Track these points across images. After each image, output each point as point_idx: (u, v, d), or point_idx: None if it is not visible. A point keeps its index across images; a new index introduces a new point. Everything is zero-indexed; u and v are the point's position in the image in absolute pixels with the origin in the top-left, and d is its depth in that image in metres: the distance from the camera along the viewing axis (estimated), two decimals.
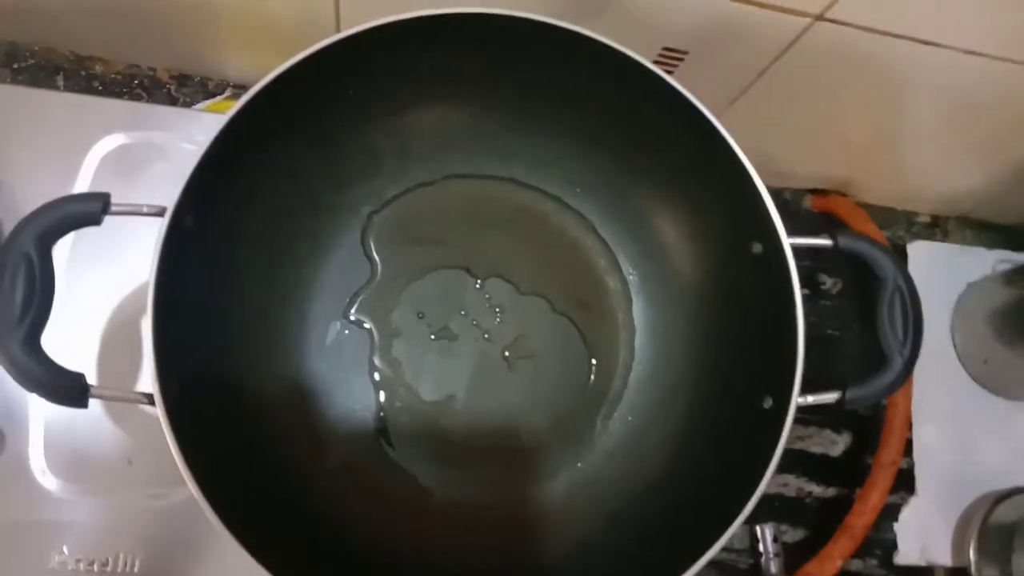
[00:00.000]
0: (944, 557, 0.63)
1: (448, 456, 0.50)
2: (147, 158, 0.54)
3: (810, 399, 0.42)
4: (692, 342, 0.51)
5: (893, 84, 0.57)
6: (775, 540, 0.62)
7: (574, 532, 0.48)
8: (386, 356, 0.51)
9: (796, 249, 0.43)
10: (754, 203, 0.44)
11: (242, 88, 0.64)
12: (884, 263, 0.44)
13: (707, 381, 0.49)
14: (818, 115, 0.62)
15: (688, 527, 0.43)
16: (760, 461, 0.41)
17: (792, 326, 0.42)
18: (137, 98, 0.63)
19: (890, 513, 0.63)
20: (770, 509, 0.64)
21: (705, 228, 0.50)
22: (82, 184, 0.53)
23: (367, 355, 0.50)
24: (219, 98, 0.63)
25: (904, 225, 0.75)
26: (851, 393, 0.43)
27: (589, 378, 0.52)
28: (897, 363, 0.43)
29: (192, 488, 0.36)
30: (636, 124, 0.49)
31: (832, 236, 0.44)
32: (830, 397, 0.43)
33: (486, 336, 0.52)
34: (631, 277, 0.54)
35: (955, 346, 0.69)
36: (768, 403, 0.43)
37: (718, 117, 0.44)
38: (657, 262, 0.53)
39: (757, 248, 0.45)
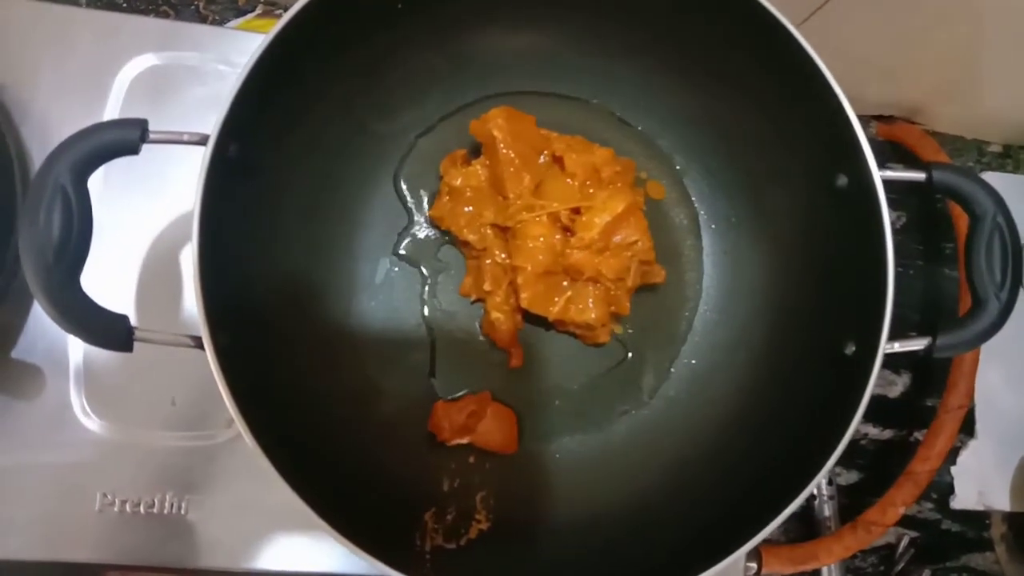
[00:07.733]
0: (1002, 502, 0.61)
1: (505, 400, 0.47)
2: (180, 80, 0.50)
3: (897, 346, 0.39)
4: (765, 283, 0.48)
5: (974, 3, 0.53)
6: (829, 482, 0.60)
7: (637, 478, 0.45)
8: (437, 295, 0.48)
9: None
10: (842, 132, 0.41)
11: (273, 4, 0.60)
12: (983, 199, 0.41)
13: (781, 325, 0.46)
14: (894, 36, 0.58)
15: (763, 480, 0.41)
16: (842, 412, 0.38)
17: (880, 267, 0.40)
18: (164, 15, 0.59)
19: (948, 456, 0.61)
20: None
21: (785, 158, 0.46)
22: (112, 108, 0.49)
23: (418, 294, 0.48)
24: (250, 15, 0.60)
25: (974, 155, 0.71)
26: (942, 340, 0.40)
27: None
28: (993, 307, 0.41)
29: (245, 434, 0.35)
30: (710, 43, 0.45)
31: (926, 170, 0.41)
32: (919, 344, 0.40)
33: None
34: (699, 212, 0.50)
35: None
36: (851, 349, 0.41)
37: None
38: (729, 195, 0.49)
39: (842, 181, 0.42)
